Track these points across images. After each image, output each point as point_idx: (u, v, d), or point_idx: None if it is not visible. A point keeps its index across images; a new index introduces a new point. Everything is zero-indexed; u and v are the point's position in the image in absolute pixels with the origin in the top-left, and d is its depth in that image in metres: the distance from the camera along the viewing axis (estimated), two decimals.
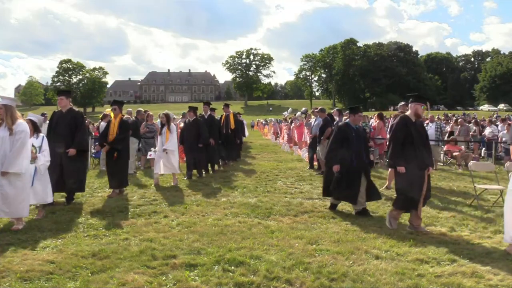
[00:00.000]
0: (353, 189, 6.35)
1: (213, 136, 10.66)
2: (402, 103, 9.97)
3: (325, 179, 6.91)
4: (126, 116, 12.79)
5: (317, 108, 11.88)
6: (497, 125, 16.84)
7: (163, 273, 4.00)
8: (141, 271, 4.02)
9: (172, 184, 8.95)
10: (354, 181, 6.36)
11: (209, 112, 11.29)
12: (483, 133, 15.68)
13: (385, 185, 8.67)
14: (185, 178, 9.66)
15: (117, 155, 7.75)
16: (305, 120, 13.76)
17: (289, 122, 20.52)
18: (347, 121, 6.90)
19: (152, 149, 9.86)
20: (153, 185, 8.85)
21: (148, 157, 10.47)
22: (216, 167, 11.48)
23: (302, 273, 3.99)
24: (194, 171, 10.13)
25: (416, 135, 5.52)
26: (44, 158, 6.06)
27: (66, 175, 6.80)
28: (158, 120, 14.15)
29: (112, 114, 8.38)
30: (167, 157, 8.97)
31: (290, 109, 27.74)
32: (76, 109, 7.32)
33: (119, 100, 8.58)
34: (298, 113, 17.89)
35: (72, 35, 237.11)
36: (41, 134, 6.17)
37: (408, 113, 5.74)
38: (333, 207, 6.74)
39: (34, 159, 5.81)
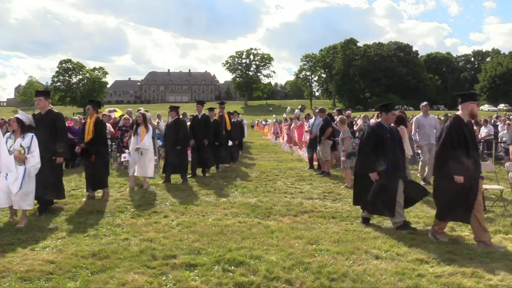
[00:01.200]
0: (391, 200, 5.48)
1: (208, 137, 10.24)
2: (425, 103, 9.77)
3: (357, 187, 5.98)
4: (125, 116, 12.72)
5: (317, 108, 11.86)
6: (497, 125, 16.84)
7: (163, 273, 4.00)
8: (141, 271, 4.03)
9: (143, 187, 8.47)
10: (391, 190, 5.51)
11: (202, 112, 10.60)
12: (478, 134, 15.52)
13: None
14: (162, 182, 9.13)
15: (95, 157, 7.36)
16: (304, 119, 13.75)
17: (289, 122, 20.51)
18: (379, 121, 6.10)
19: (127, 150, 9.11)
20: (128, 188, 8.47)
21: (122, 159, 9.67)
22: (208, 170, 10.88)
23: (302, 273, 3.99)
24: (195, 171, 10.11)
25: (470, 137, 5.05)
26: (34, 160, 5.63)
27: (46, 181, 6.21)
28: (158, 120, 14.09)
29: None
30: (142, 158, 8.50)
31: (289, 108, 27.62)
32: (56, 110, 6.84)
33: (94, 100, 7.98)
34: (296, 110, 17.82)
35: (72, 35, 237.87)
36: (30, 134, 5.75)
37: (459, 113, 5.19)
38: (365, 220, 5.88)
39: (22, 160, 5.56)
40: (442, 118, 20.78)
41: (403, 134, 7.91)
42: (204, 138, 10.19)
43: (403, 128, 8.02)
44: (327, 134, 10.24)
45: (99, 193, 7.95)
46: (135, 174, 8.58)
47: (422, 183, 8.43)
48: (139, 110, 9.04)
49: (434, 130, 9.25)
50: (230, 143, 12.25)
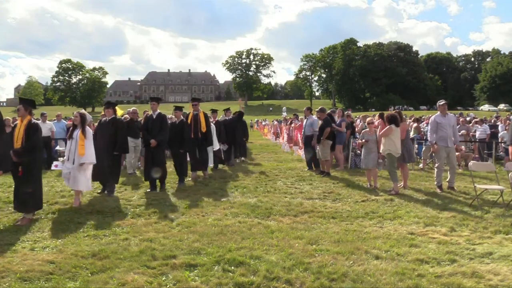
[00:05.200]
0: None
1: (161, 139, 8.36)
2: (442, 101, 8.71)
3: None
4: (125, 116, 12.44)
5: (309, 108, 11.82)
6: (497, 125, 16.84)
7: (163, 273, 4.00)
8: (141, 271, 4.02)
9: (73, 205, 6.90)
10: None
11: (158, 111, 8.66)
12: (471, 134, 15.44)
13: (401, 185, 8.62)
14: (99, 192, 7.81)
15: (23, 170, 5.86)
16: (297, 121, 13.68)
17: (289, 122, 20.52)
18: None
19: (60, 158, 7.57)
20: (74, 205, 6.91)
21: (54, 168, 7.82)
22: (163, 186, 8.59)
23: (302, 273, 3.99)
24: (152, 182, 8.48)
25: None
26: None
27: None
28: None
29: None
30: (78, 169, 6.91)
31: (284, 107, 27.45)
32: None
33: (25, 98, 6.41)
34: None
35: (70, 34, 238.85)
36: None
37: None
38: None
39: None
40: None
41: (388, 132, 8.05)
42: (158, 140, 8.31)
43: (392, 127, 8.08)
44: (325, 134, 10.24)
45: (98, 193, 7.94)
46: (71, 187, 7.18)
47: (438, 191, 8.18)
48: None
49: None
50: (216, 147, 10.84)
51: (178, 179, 9.18)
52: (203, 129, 9.70)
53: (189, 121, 9.62)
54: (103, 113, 8.43)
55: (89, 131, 7.18)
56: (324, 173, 10.33)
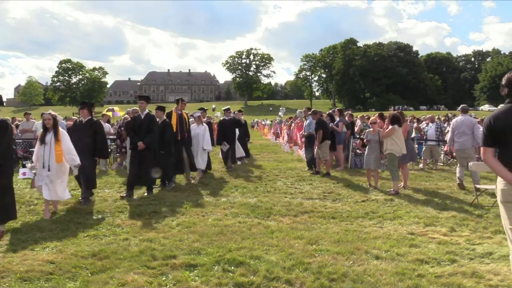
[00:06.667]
0: None
1: (150, 140, 7.80)
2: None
3: None
4: (125, 116, 12.40)
5: (309, 109, 11.88)
6: None
7: (163, 273, 4.00)
8: (141, 271, 4.02)
9: (53, 209, 6.47)
10: None
11: (146, 111, 8.05)
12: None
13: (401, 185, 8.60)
14: (81, 200, 7.19)
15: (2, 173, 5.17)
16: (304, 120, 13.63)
17: (289, 122, 20.50)
18: None
19: (28, 164, 6.59)
20: (45, 217, 6.18)
21: (21, 176, 6.66)
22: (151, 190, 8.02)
23: (302, 273, 3.99)
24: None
25: None
26: None
27: None
28: None
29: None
30: (55, 176, 6.34)
31: (284, 109, 27.19)
32: None
33: None
34: (298, 111, 17.65)
35: (70, 34, 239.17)
36: None
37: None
38: None
39: None
40: (442, 118, 20.57)
41: (391, 132, 8.05)
42: (146, 143, 7.76)
43: (395, 127, 8.08)
44: (319, 136, 10.25)
45: (98, 193, 7.95)
46: (48, 198, 6.30)
47: (477, 192, 7.60)
48: (49, 111, 6.86)
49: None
50: (209, 148, 10.27)
51: (167, 181, 8.76)
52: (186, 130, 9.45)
53: (174, 120, 9.01)
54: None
55: (64, 133, 6.62)
56: (319, 173, 10.35)
